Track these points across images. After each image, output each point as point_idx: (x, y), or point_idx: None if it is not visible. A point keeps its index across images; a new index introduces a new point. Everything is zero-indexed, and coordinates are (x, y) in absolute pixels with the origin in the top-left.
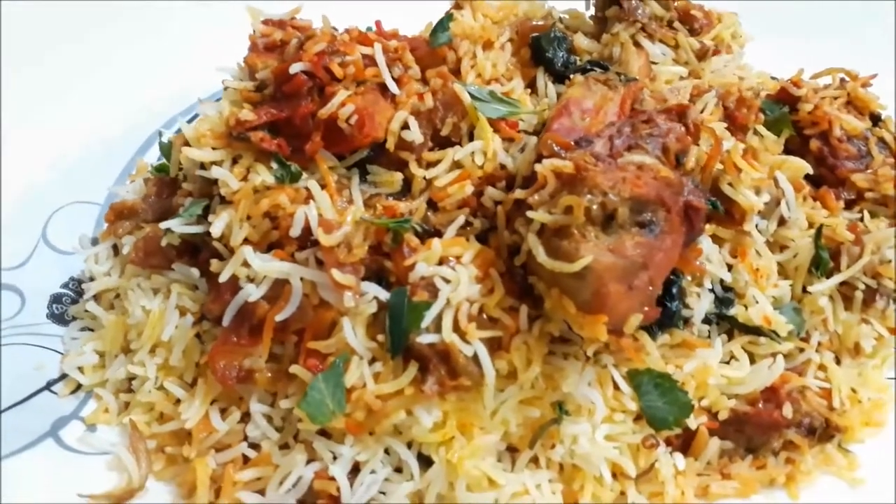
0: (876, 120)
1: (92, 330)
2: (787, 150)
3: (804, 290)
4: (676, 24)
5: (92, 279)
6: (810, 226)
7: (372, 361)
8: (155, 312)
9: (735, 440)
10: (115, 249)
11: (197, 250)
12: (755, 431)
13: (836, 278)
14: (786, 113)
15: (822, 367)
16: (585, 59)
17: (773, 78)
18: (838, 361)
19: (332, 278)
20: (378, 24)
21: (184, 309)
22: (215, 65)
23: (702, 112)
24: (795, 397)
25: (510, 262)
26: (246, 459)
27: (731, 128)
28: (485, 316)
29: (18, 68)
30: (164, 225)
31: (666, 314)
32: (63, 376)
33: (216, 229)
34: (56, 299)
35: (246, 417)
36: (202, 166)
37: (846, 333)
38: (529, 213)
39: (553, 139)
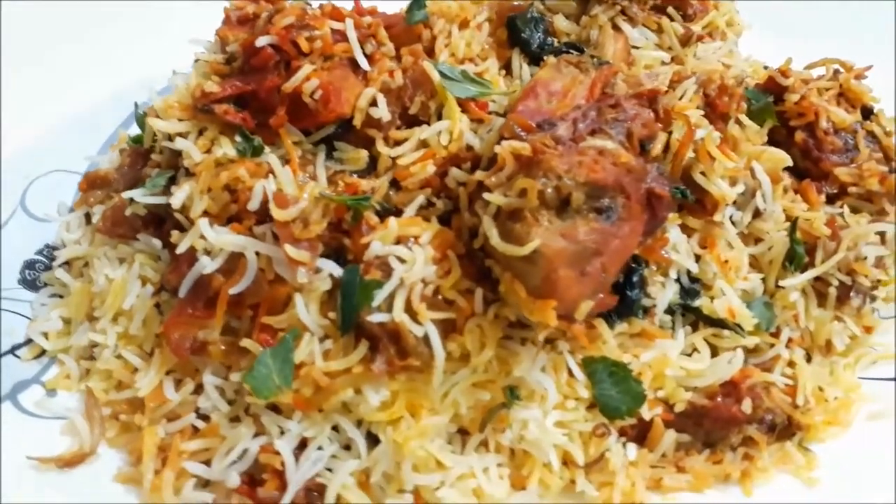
0: (867, 113)
1: (61, 297)
2: (773, 142)
3: (777, 284)
4: (670, 10)
5: (63, 246)
6: (789, 219)
7: (324, 339)
8: (118, 281)
9: (693, 434)
10: (88, 218)
11: (162, 221)
12: (713, 426)
13: (809, 273)
14: (770, 102)
15: (791, 364)
16: (562, 42)
17: (765, 68)
18: (809, 359)
19: (286, 254)
20: (357, 0)
21: (146, 279)
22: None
23: (680, 98)
24: (758, 393)
25: (471, 244)
26: (196, 430)
27: (712, 116)
28: (440, 298)
29: (9, 36)
30: (126, 194)
31: (625, 303)
32: (28, 341)
33: (176, 200)
34: (29, 265)
35: (200, 389)
36: (169, 138)
37: (818, 330)
38: (485, 195)
39: (515, 121)
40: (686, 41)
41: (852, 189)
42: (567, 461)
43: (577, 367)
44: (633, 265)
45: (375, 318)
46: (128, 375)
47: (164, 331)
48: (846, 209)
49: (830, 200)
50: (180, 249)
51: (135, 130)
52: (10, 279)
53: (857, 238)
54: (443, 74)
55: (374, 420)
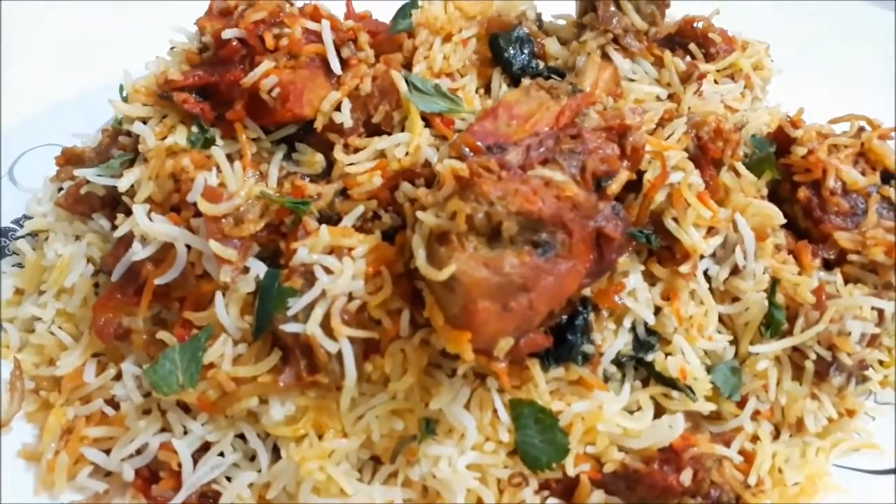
0: (888, 177)
1: (23, 266)
2: (776, 196)
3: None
4: (692, 48)
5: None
6: (775, 281)
7: (239, 342)
8: (65, 258)
9: (625, 498)
10: (60, 192)
11: (118, 204)
12: (648, 493)
13: (783, 342)
14: (771, 153)
15: (754, 439)
16: (547, 65)
17: (787, 117)
18: (777, 436)
19: (212, 249)
20: (348, 3)
21: (92, 259)
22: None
23: (667, 138)
24: (704, 464)
25: (411, 262)
26: (105, 417)
27: (703, 161)
28: (366, 315)
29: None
30: (79, 172)
31: (564, 346)
32: None
33: (123, 184)
34: (2, 233)
35: (121, 376)
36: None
37: (789, 405)
38: (418, 213)
39: (463, 140)
40: (686, 78)
41: (854, 257)
42: None
43: (502, 408)
44: (580, 308)
45: (289, 327)
46: (58, 352)
47: (92, 312)
48: (839, 278)
49: (830, 266)
50: (118, 233)
51: None
52: None
53: (844, 310)
54: (414, 86)
55: (278, 434)
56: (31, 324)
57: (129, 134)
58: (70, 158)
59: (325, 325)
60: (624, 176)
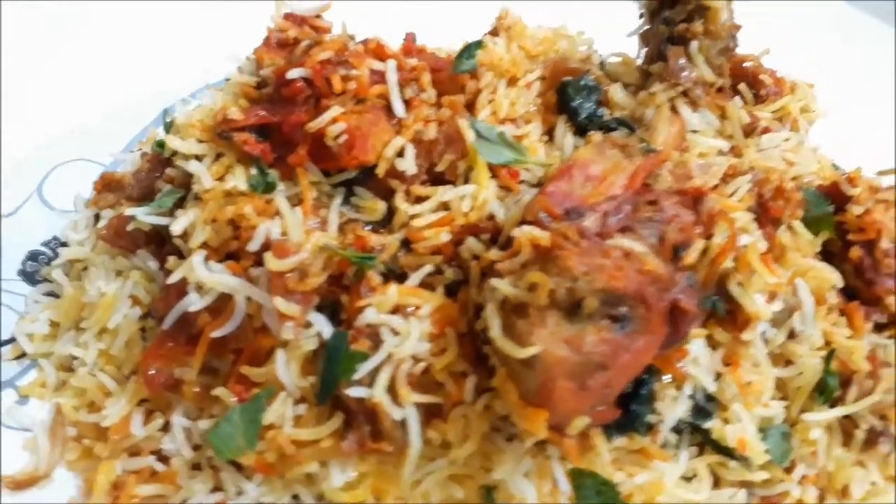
0: None
1: (56, 296)
2: (826, 252)
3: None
4: (742, 87)
5: (66, 245)
6: (827, 343)
7: (299, 402)
8: (108, 296)
9: None
10: (97, 219)
11: (165, 241)
12: None
13: (837, 411)
14: (830, 213)
15: (800, 503)
16: (613, 116)
17: (834, 166)
18: (822, 500)
19: (276, 306)
20: (409, 36)
21: (137, 299)
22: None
23: (731, 196)
24: None
25: (474, 322)
26: (154, 472)
27: (763, 219)
28: (430, 378)
29: (60, 22)
30: (129, 212)
31: (628, 417)
32: (12, 339)
33: (177, 227)
34: (32, 256)
35: (169, 426)
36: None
37: (837, 473)
38: (493, 281)
39: (541, 204)
40: (750, 132)
41: None
42: None
43: (563, 478)
44: (644, 376)
45: (354, 392)
46: (101, 397)
47: (142, 360)
48: (890, 344)
49: (879, 329)
50: (172, 279)
51: None
52: (11, 268)
53: None
54: (479, 133)
55: (336, 499)
56: (69, 362)
57: (174, 164)
58: (109, 184)
59: (391, 390)
60: (700, 245)
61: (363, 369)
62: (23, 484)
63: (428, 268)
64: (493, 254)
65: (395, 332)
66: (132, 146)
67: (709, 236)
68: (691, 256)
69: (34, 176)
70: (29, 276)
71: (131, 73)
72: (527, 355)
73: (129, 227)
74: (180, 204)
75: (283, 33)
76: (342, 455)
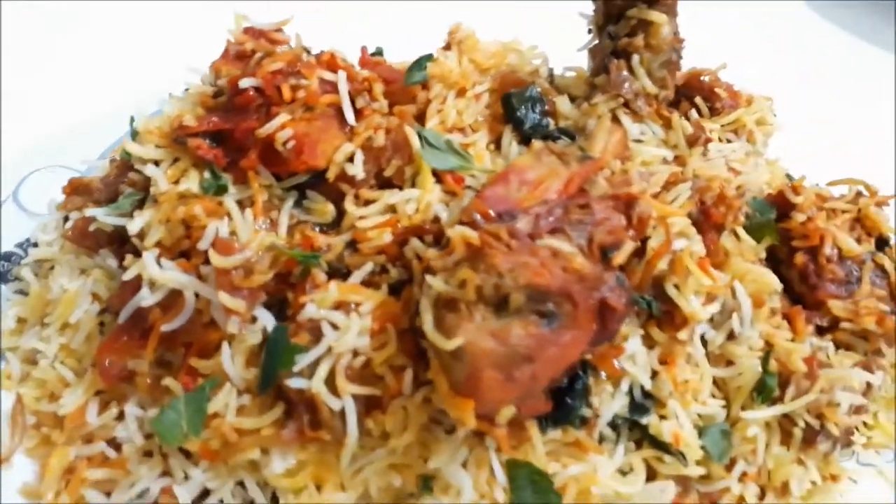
0: (882, 245)
1: (25, 294)
2: (773, 259)
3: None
4: (698, 101)
5: (36, 246)
6: (768, 345)
7: (243, 392)
8: (70, 293)
9: None
10: (66, 221)
11: (126, 241)
12: None
13: (773, 410)
14: (772, 220)
15: (740, 500)
16: (556, 126)
17: (788, 177)
18: (762, 497)
19: (221, 301)
20: (363, 50)
21: (97, 296)
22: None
23: (671, 203)
24: None
25: (416, 319)
26: (106, 458)
27: (705, 225)
28: (370, 371)
29: (39, 30)
30: (89, 213)
31: (562, 410)
32: None
33: (133, 227)
34: (5, 257)
35: (123, 416)
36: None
37: (776, 470)
38: (427, 277)
39: (476, 207)
40: (693, 142)
41: (846, 325)
42: None
43: (499, 468)
44: (580, 373)
45: (294, 382)
46: (60, 388)
47: (97, 353)
48: (831, 346)
49: (822, 332)
50: (126, 276)
51: None
52: None
53: (834, 382)
54: (426, 141)
55: (278, 485)
56: (33, 355)
57: (137, 170)
58: (77, 188)
59: (330, 382)
60: (629, 247)
61: (303, 361)
62: None
63: (369, 266)
64: (431, 253)
65: (335, 327)
66: (106, 155)
67: (644, 239)
68: (620, 257)
69: (11, 181)
70: (1, 276)
71: (115, 79)
72: (453, 346)
73: (91, 228)
74: (140, 206)
75: (241, 46)
76: (282, 443)
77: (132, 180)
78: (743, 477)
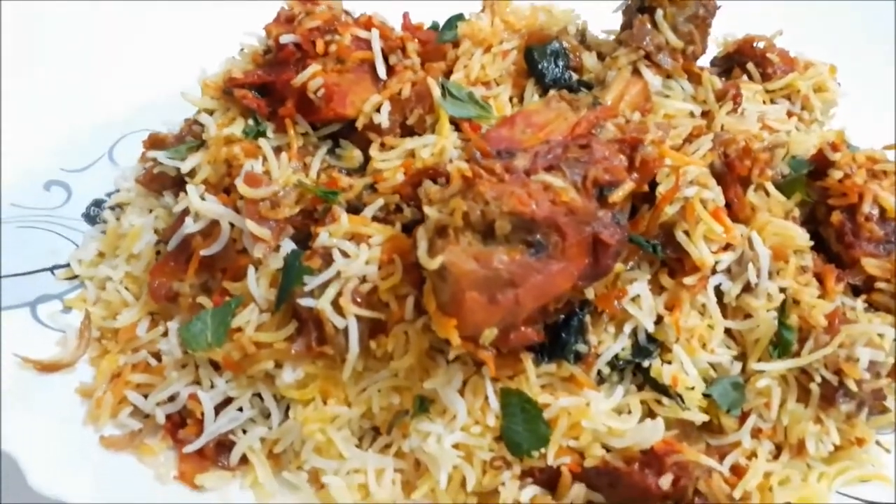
0: None
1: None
2: (813, 219)
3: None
4: (750, 67)
5: (118, 192)
6: (795, 302)
7: (264, 311)
8: (136, 228)
9: (608, 496)
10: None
11: (185, 183)
12: (628, 493)
13: (787, 363)
14: (802, 175)
15: (753, 455)
16: (579, 79)
17: (848, 146)
18: (778, 455)
19: (248, 228)
20: (405, 15)
21: (158, 230)
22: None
23: (692, 154)
24: (691, 472)
25: None
26: (148, 366)
27: (729, 178)
28: (376, 298)
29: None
30: (151, 154)
31: (557, 343)
32: (66, 264)
33: (185, 166)
34: (96, 203)
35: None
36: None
37: (791, 427)
38: (425, 207)
39: (476, 144)
40: (721, 96)
41: (882, 285)
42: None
43: (493, 396)
44: (577, 309)
45: (304, 301)
46: (121, 308)
47: (149, 276)
48: (860, 304)
49: (858, 293)
50: (177, 209)
51: None
52: (76, 211)
53: (855, 337)
54: (449, 92)
55: (289, 395)
56: (106, 282)
57: (200, 123)
58: (155, 143)
59: (336, 303)
60: (628, 186)
61: (313, 283)
62: (48, 367)
63: (380, 201)
64: (433, 188)
65: (346, 254)
66: None
67: (652, 184)
68: (616, 195)
69: (108, 141)
70: (91, 218)
71: (197, 57)
72: (435, 265)
73: (155, 171)
74: (197, 151)
75: (291, 10)
76: (293, 356)
77: (195, 132)
78: (758, 433)
